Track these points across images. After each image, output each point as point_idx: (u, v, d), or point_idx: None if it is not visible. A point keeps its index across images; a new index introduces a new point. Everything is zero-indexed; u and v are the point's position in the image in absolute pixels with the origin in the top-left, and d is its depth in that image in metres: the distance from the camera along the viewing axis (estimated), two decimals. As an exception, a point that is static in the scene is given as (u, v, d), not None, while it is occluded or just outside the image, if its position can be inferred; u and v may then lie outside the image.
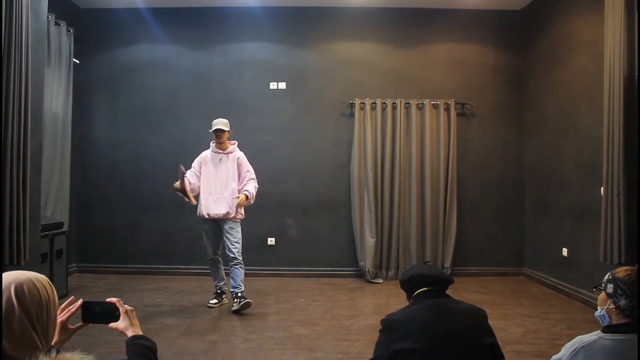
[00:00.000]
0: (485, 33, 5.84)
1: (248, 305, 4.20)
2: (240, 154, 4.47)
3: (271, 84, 5.80)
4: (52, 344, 1.34)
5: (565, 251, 4.96)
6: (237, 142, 4.55)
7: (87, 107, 5.82)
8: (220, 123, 4.38)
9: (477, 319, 1.70)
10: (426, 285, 1.77)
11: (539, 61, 5.54)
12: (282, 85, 5.79)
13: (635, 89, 3.45)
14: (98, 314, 1.42)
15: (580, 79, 4.74)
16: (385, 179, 5.64)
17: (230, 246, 4.29)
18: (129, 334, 1.39)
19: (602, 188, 3.81)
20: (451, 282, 1.83)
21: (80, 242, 5.74)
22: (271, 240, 5.65)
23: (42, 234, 4.12)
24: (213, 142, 4.47)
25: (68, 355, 0.94)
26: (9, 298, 1.13)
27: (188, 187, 4.29)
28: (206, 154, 4.49)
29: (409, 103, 5.70)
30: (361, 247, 5.60)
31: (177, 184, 4.27)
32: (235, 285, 4.24)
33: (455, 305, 1.72)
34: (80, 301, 1.44)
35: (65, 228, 4.86)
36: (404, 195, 5.66)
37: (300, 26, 5.82)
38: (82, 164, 5.79)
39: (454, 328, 1.63)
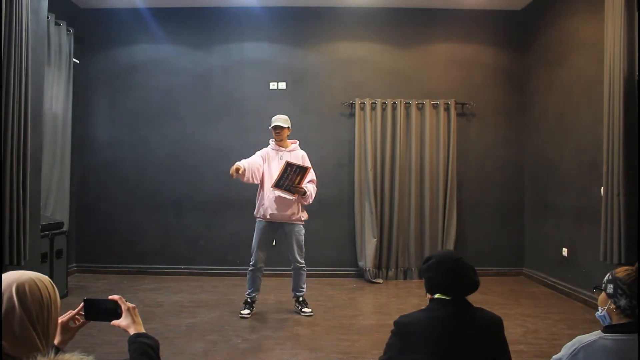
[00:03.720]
0: (485, 33, 5.84)
1: (308, 314, 4.19)
2: (304, 153, 4.24)
3: (271, 84, 5.79)
4: (56, 344, 1.35)
5: (565, 251, 4.96)
6: (298, 142, 4.32)
7: (87, 107, 5.82)
8: (280, 119, 4.13)
9: (494, 332, 1.64)
10: (450, 292, 1.65)
11: (539, 61, 5.54)
12: (282, 85, 5.79)
13: (635, 89, 3.45)
14: (100, 311, 1.42)
15: (580, 79, 4.75)
16: (385, 179, 5.64)
17: (298, 251, 4.14)
18: (131, 331, 1.39)
19: (602, 188, 3.81)
20: (477, 288, 1.68)
21: (80, 242, 5.74)
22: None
23: (42, 234, 4.12)
24: (272, 140, 4.22)
25: (67, 356, 0.94)
26: (10, 297, 1.13)
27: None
28: (267, 151, 4.19)
29: (409, 103, 5.70)
30: (361, 247, 5.60)
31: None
32: (297, 288, 4.23)
33: (474, 317, 1.63)
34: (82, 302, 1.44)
35: (65, 228, 4.85)
36: (404, 195, 5.66)
37: (300, 26, 5.82)
38: (82, 164, 5.78)
39: (471, 343, 1.58)
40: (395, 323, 1.66)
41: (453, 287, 1.65)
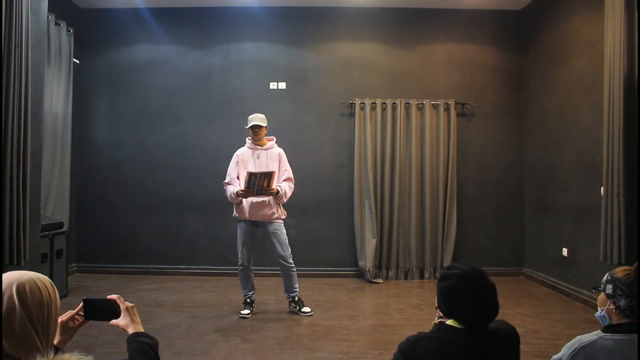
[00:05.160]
0: (485, 33, 5.84)
1: (309, 313, 4.18)
2: (281, 150, 4.23)
3: (271, 84, 5.79)
4: (55, 343, 1.35)
5: (565, 251, 4.96)
6: (275, 139, 4.29)
7: (87, 107, 5.82)
8: (257, 118, 4.12)
9: (511, 355, 1.50)
10: (467, 321, 1.47)
11: (539, 61, 5.54)
12: (282, 85, 5.79)
13: (635, 89, 3.45)
14: (99, 311, 1.42)
15: (580, 79, 4.75)
16: (385, 178, 5.64)
17: (282, 248, 4.12)
18: (130, 331, 1.39)
19: (602, 188, 3.81)
20: (497, 314, 1.51)
21: (80, 242, 5.74)
22: (271, 240, 5.67)
23: (42, 234, 4.12)
24: (249, 139, 4.22)
25: (66, 356, 0.94)
26: (11, 297, 1.13)
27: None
28: (242, 151, 4.20)
29: (409, 103, 5.70)
30: (361, 247, 5.60)
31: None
32: (290, 289, 4.22)
33: (489, 347, 1.47)
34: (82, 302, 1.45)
35: (65, 228, 4.86)
36: (404, 195, 5.66)
37: (300, 26, 5.82)
38: (82, 164, 5.79)
39: None
40: (403, 351, 1.47)
41: (473, 318, 1.47)
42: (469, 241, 5.79)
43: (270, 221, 4.13)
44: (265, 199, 4.05)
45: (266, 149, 4.18)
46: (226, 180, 4.16)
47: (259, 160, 4.13)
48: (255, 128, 4.11)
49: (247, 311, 4.13)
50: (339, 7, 5.75)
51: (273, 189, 3.99)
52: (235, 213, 4.18)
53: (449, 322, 1.49)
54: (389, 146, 5.64)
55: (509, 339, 1.52)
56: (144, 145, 5.79)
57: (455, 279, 1.48)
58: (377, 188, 5.63)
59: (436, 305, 1.58)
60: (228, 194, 4.10)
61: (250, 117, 4.18)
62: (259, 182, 3.92)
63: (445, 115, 5.70)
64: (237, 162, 4.16)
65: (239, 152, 4.23)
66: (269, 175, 3.93)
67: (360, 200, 5.64)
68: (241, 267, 4.19)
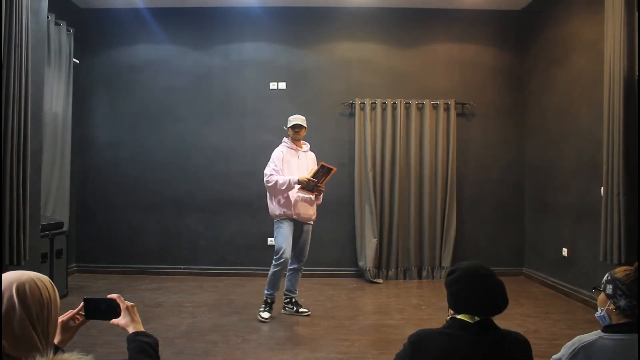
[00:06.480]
0: (485, 33, 5.84)
1: (306, 313, 4.18)
2: (314, 155, 4.30)
3: (271, 84, 5.80)
4: (56, 343, 1.35)
5: (565, 251, 4.96)
6: (309, 144, 4.31)
7: (87, 107, 5.82)
8: (299, 119, 4.15)
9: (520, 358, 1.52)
10: (476, 311, 1.49)
11: (539, 61, 5.54)
12: (282, 85, 5.79)
13: (635, 89, 3.45)
14: (100, 310, 1.43)
15: (580, 79, 4.75)
16: (385, 179, 5.64)
17: (306, 249, 4.18)
18: (130, 330, 1.39)
19: (602, 188, 3.81)
20: (506, 306, 1.52)
21: (80, 242, 5.74)
22: (271, 240, 5.64)
23: (42, 234, 4.12)
24: (287, 139, 4.20)
25: (66, 355, 0.94)
26: (10, 297, 1.13)
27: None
28: (283, 150, 4.14)
29: (409, 103, 5.70)
30: (361, 247, 5.60)
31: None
32: (293, 289, 4.22)
33: (500, 348, 1.48)
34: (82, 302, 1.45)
35: (65, 228, 4.85)
36: (404, 195, 5.66)
37: (300, 26, 5.82)
38: (82, 164, 5.79)
39: None
40: (412, 343, 1.50)
41: (479, 305, 1.49)
42: (468, 241, 5.79)
43: (308, 221, 4.17)
44: (312, 197, 4.09)
45: (304, 152, 4.23)
46: (271, 172, 3.99)
47: (299, 160, 4.14)
48: (296, 127, 4.14)
49: (267, 314, 4.01)
50: (339, 7, 5.75)
51: (323, 188, 4.06)
52: (277, 211, 4.04)
53: (460, 316, 1.52)
54: (389, 146, 5.64)
55: (519, 344, 1.52)
56: (144, 145, 5.79)
57: (460, 271, 1.56)
58: (377, 188, 5.63)
59: (448, 306, 1.60)
60: (280, 182, 3.91)
61: (290, 117, 4.21)
62: (320, 176, 3.95)
63: (445, 115, 5.70)
64: (282, 158, 4.08)
65: (282, 149, 4.15)
66: (329, 172, 3.98)
67: (360, 200, 5.64)
68: (281, 268, 3.99)
